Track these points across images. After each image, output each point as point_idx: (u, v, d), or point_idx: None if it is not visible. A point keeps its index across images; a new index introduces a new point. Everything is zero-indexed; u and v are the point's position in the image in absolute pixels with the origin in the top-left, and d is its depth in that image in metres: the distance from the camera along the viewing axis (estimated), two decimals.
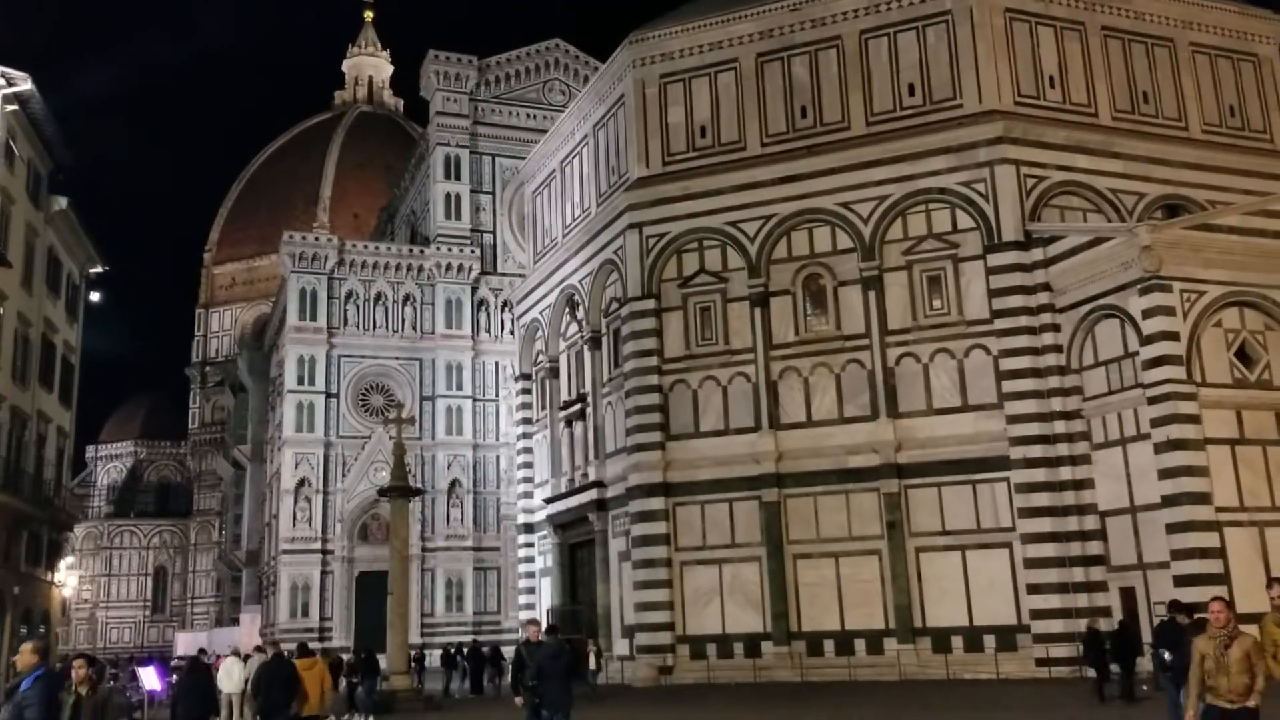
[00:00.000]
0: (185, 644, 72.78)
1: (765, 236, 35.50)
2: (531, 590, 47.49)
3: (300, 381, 64.67)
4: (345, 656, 42.56)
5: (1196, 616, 14.62)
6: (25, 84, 37.11)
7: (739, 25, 37.39)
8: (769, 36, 37.01)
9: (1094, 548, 30.82)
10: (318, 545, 63.63)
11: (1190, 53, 37.57)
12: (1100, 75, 35.85)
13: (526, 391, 48.80)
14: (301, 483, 64.09)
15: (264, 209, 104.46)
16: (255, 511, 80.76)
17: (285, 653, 18.12)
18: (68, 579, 50.32)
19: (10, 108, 37.46)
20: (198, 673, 19.44)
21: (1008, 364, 32.13)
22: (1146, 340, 29.09)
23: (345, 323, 66.13)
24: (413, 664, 43.18)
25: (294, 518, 63.72)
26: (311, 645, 48.59)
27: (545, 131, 50.99)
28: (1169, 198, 35.07)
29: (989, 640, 31.58)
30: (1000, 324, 32.38)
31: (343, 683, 32.55)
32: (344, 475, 64.49)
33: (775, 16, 36.93)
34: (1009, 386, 32.01)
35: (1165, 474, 28.46)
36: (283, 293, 69.62)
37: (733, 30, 37.47)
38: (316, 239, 67.65)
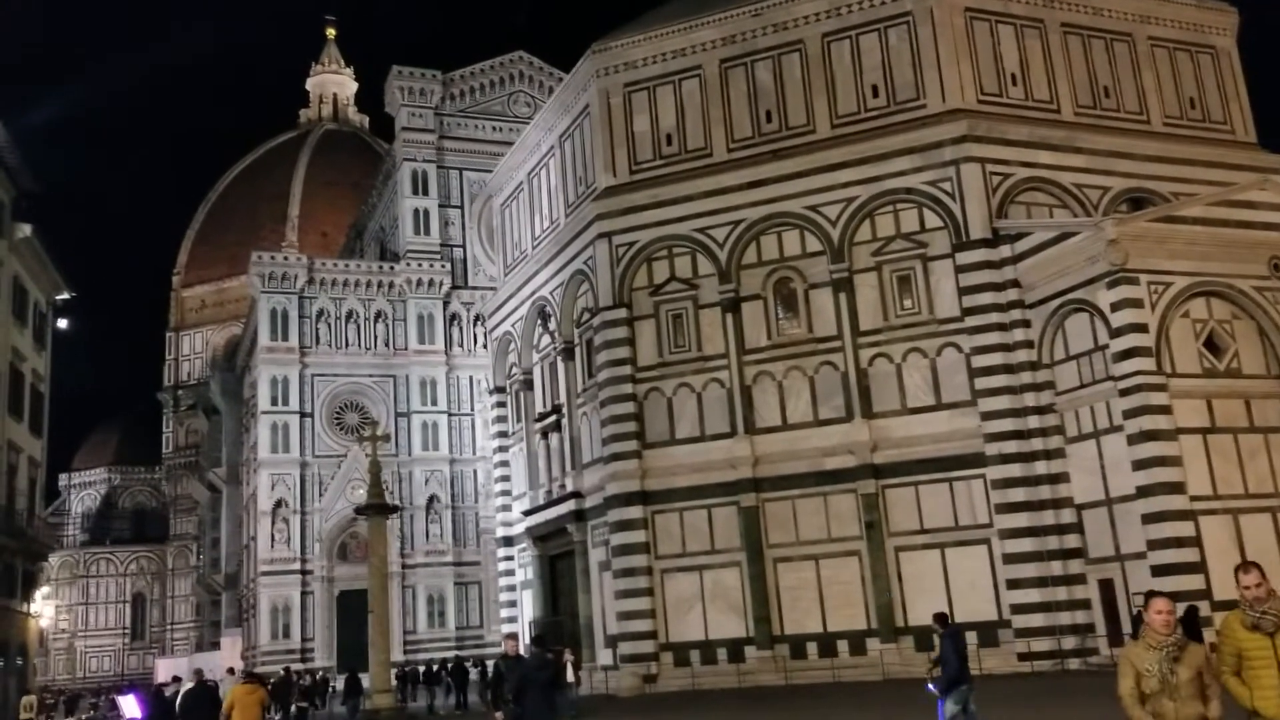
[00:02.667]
0: (166, 670, 71.78)
1: (735, 242, 35.53)
2: (513, 604, 47.27)
3: (274, 402, 64.20)
4: (299, 674, 42.21)
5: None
6: None
7: (701, 32, 37.45)
8: (731, 42, 37.08)
9: (1071, 541, 30.97)
10: (297, 566, 63.13)
11: (1149, 46, 37.95)
12: (1061, 71, 36.14)
13: (501, 404, 48.64)
14: (279, 504, 63.58)
15: (232, 230, 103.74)
16: (233, 534, 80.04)
17: (208, 680, 19.98)
18: (44, 609, 49.68)
19: None
20: (203, 689, 19.73)
21: (980, 361, 32.28)
22: (1116, 333, 29.28)
23: (317, 341, 65.71)
24: (408, 680, 43.11)
25: (272, 539, 63.20)
26: (293, 666, 48.15)
27: (512, 144, 50.89)
28: (1133, 191, 35.39)
29: (971, 637, 31.17)
30: (971, 321, 32.53)
31: (293, 705, 32.24)
32: (321, 495, 64.04)
33: (737, 22, 37.02)
34: (982, 383, 32.14)
35: (1139, 465, 28.64)
36: (253, 314, 69.10)
37: (695, 37, 37.52)
38: (285, 258, 67.20)
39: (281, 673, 38.60)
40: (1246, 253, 30.56)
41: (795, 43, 36.31)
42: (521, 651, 16.30)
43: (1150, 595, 7.81)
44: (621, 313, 36.62)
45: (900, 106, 34.84)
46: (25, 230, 43.05)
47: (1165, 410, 28.72)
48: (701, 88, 37.23)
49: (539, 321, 43.96)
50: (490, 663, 39.54)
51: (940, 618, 16.51)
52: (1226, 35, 39.85)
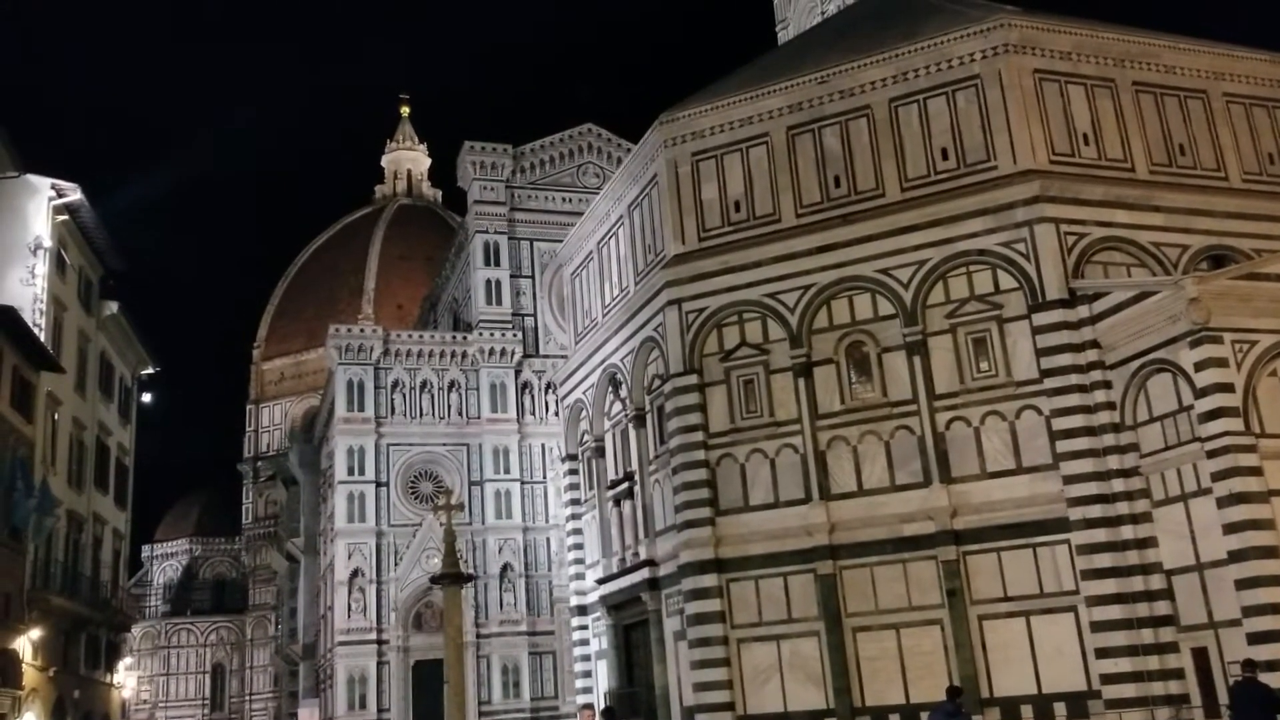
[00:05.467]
0: None
1: (805, 306, 35.51)
2: (588, 674, 46.87)
3: (350, 472, 65.15)
4: None
5: None
6: (75, 194, 38.46)
7: (768, 100, 37.89)
8: (798, 109, 37.42)
9: (1162, 608, 29.92)
10: (373, 635, 63.46)
11: (1224, 103, 37.45)
12: (1135, 130, 35.79)
13: (574, 472, 48.75)
14: (355, 573, 64.16)
15: (310, 304, 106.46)
16: (310, 604, 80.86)
17: None
18: (126, 680, 50.55)
19: (61, 218, 38.76)
20: None
21: (1060, 423, 31.64)
22: (1200, 393, 28.57)
23: (392, 412, 66.74)
24: None
25: (349, 609, 63.69)
26: None
27: (581, 214, 51.68)
28: (1213, 249, 34.68)
29: (1060, 708, 30.61)
30: (1050, 383, 31.97)
31: None
32: (396, 564, 64.53)
33: (804, 90, 37.38)
34: (1063, 446, 31.48)
35: (1230, 529, 27.69)
36: (330, 385, 70.53)
37: (762, 105, 37.96)
38: (362, 330, 68.67)
39: None
40: None
41: (862, 108, 36.52)
42: None
43: (1250, 662, 7.62)
44: (692, 379, 36.67)
45: (971, 168, 34.76)
46: (112, 308, 44.79)
47: (1256, 471, 27.81)
48: (769, 154, 37.55)
49: (610, 389, 44.19)
50: None
51: (952, 691, 15.99)
52: None
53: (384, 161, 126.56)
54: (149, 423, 56.26)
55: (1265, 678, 22.78)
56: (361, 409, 66.02)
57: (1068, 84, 35.55)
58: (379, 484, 65.39)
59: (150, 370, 50.70)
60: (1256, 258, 32.97)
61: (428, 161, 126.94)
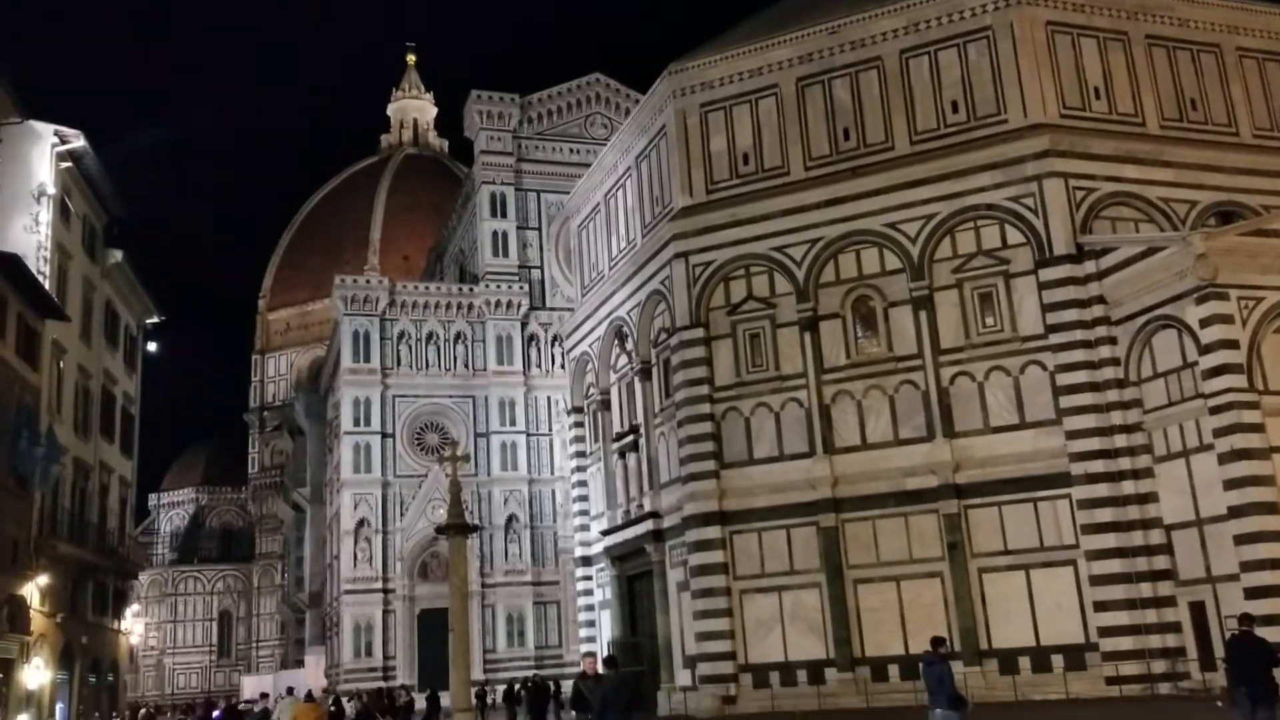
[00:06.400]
0: (251, 687, 73.57)
1: (813, 260, 35.45)
2: (592, 623, 47.44)
3: (356, 423, 65.53)
4: (395, 691, 42.20)
5: None
6: (78, 140, 38.16)
7: (778, 51, 37.56)
8: (808, 60, 37.11)
9: (1161, 562, 30.19)
10: (379, 585, 64.17)
11: (1238, 57, 37.06)
12: (1146, 84, 35.47)
13: (579, 424, 48.97)
14: (361, 523, 64.76)
15: (316, 254, 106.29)
16: (316, 553, 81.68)
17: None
18: (134, 627, 51.14)
19: (65, 165, 38.52)
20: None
21: (1065, 379, 31.71)
22: (1205, 350, 28.60)
23: (398, 363, 66.97)
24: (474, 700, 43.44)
25: (355, 558, 64.35)
26: (387, 685, 49.04)
27: (588, 165, 51.45)
28: (1222, 204, 34.52)
29: (1057, 660, 31.00)
30: (1055, 339, 32.00)
31: None
32: (402, 514, 65.09)
33: (814, 40, 37.05)
34: (1067, 402, 31.57)
35: (1231, 484, 27.88)
36: (336, 336, 70.71)
37: (771, 56, 37.63)
38: (368, 281, 68.70)
39: (366, 694, 38.92)
40: None
41: (873, 60, 36.22)
42: (601, 670, 16.32)
43: (1248, 616, 7.74)
44: (699, 332, 36.72)
45: (981, 122, 34.51)
46: (117, 256, 44.60)
47: (1258, 428, 27.95)
48: (778, 106, 37.30)
49: (616, 342, 44.26)
50: (552, 683, 39.63)
51: (936, 641, 16.28)
52: None
53: (390, 110, 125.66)
54: (155, 372, 56.45)
55: (1262, 632, 23.05)
56: (367, 360, 66.24)
57: (1080, 36, 35.19)
58: (385, 435, 65.79)
59: (155, 319, 50.62)
60: (1265, 214, 32.82)
61: (434, 111, 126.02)
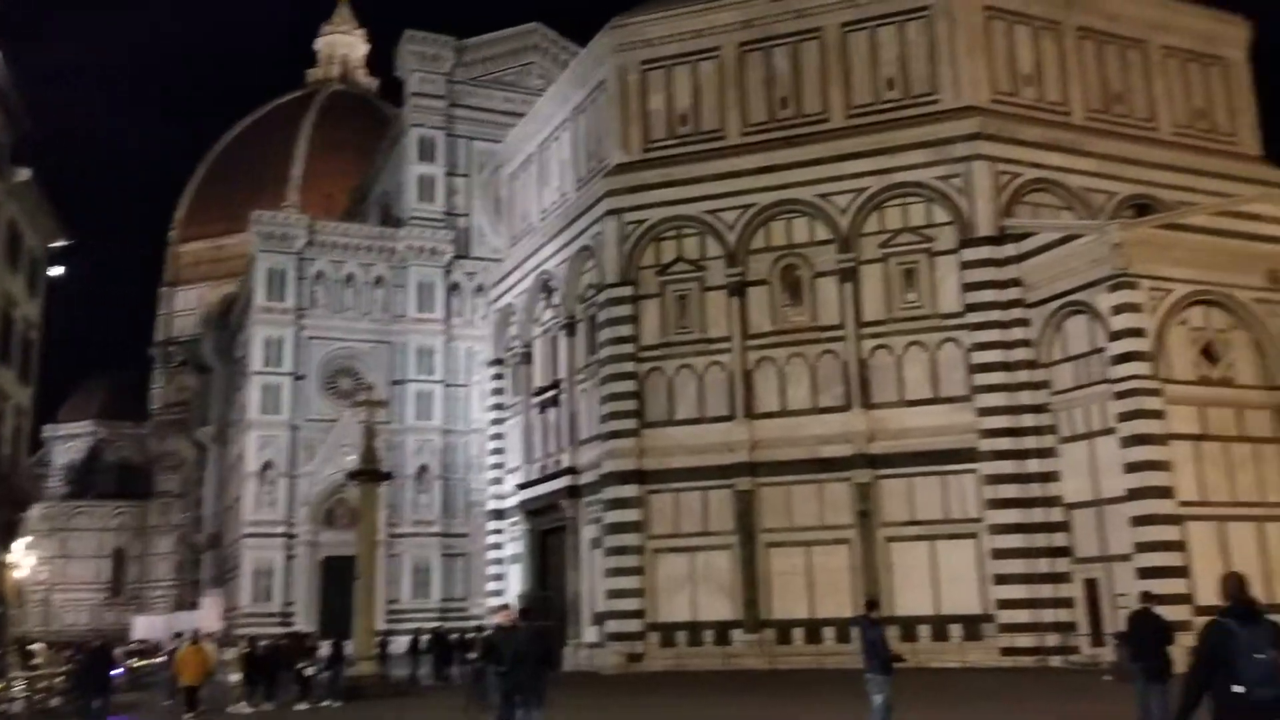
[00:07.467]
0: (144, 628, 72.13)
1: (744, 226, 35.70)
2: (500, 577, 47.52)
3: (267, 363, 64.09)
4: (305, 636, 41.75)
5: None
6: None
7: (721, 14, 37.50)
8: (751, 26, 37.15)
9: (1059, 539, 31.35)
10: (282, 529, 63.15)
11: (1162, 55, 38.18)
12: (1074, 75, 36.35)
13: (499, 377, 48.76)
14: (266, 465, 63.58)
15: (233, 187, 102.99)
16: (218, 494, 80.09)
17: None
18: (23, 560, 49.66)
19: None
20: (96, 656, 21.33)
21: (979, 357, 32.59)
22: (1114, 336, 29.60)
23: (314, 304, 65.58)
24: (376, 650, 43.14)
25: (257, 501, 63.20)
26: (277, 630, 48.19)
27: (522, 115, 50.83)
28: (1138, 197, 35.68)
29: (955, 629, 32.08)
30: (972, 318, 32.83)
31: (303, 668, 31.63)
32: (310, 459, 64.02)
33: (757, 6, 37.09)
34: (979, 379, 32.47)
35: (1130, 468, 29.01)
36: (251, 272, 68.90)
37: (714, 19, 37.57)
38: (286, 218, 66.98)
39: (284, 637, 38.06)
40: (1246, 264, 30.92)
41: (814, 30, 36.41)
42: (517, 622, 16.33)
43: (1148, 594, 8.22)
44: (627, 290, 36.77)
45: (915, 100, 35.02)
46: (24, 174, 42.70)
47: (1159, 415, 29.08)
48: (719, 70, 37.31)
49: (542, 295, 44.06)
50: (456, 636, 39.55)
51: (870, 604, 16.70)
52: (1238, 48, 40.10)
53: (318, 45, 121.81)
54: (58, 298, 54.30)
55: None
56: (282, 299, 64.72)
57: (1015, 23, 35.87)
58: (296, 377, 64.47)
59: (62, 243, 48.67)
60: (1179, 209, 33.98)
61: (365, 48, 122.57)
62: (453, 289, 67.81)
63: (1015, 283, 32.68)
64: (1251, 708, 7.15)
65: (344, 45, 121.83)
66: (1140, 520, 28.66)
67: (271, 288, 64.83)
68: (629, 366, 36.33)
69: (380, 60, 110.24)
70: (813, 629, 33.18)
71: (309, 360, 64.94)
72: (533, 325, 45.10)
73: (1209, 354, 30.59)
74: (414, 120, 69.55)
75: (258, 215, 66.26)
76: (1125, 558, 29.07)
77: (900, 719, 15.58)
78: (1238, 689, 7.15)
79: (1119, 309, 29.54)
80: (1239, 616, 7.50)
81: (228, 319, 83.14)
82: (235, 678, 28.78)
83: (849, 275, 34.49)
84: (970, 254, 33.14)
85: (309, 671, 29.72)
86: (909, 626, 32.38)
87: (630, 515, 35.48)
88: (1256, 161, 38.96)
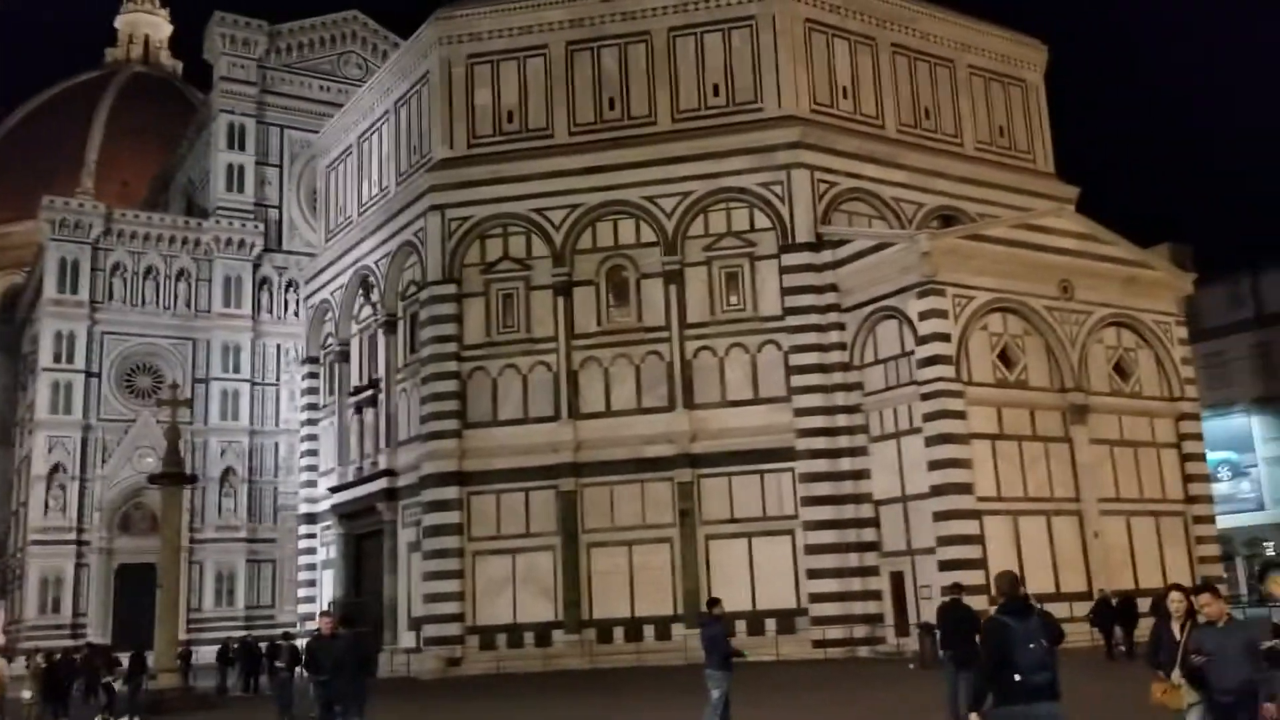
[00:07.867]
0: None
1: (570, 226, 35.59)
2: (312, 583, 45.83)
3: (57, 359, 59.76)
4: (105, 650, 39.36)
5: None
6: None
7: (550, 11, 37.29)
8: (579, 25, 37.09)
9: (869, 535, 32.58)
10: (73, 536, 58.97)
11: (968, 74, 40.34)
12: (889, 89, 37.94)
13: (313, 375, 47.02)
14: (55, 468, 59.29)
15: (21, 171, 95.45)
16: (1, 499, 74.21)
17: None
18: None
19: None
20: None
21: (797, 359, 33.55)
22: (921, 340, 30.99)
23: (111, 297, 61.56)
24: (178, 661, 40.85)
25: (46, 506, 58.85)
26: (68, 642, 44.93)
27: (340, 105, 49.31)
28: (944, 208, 37.59)
29: (770, 624, 32.83)
30: (791, 321, 33.76)
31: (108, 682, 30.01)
32: (104, 461, 60.08)
33: (586, 6, 37.07)
34: (797, 381, 33.42)
35: (934, 465, 30.42)
36: (40, 262, 64.18)
37: (543, 16, 37.32)
38: (81, 205, 62.61)
39: (87, 648, 35.64)
40: (1040, 274, 32.91)
41: (642, 33, 36.67)
42: (339, 630, 15.87)
43: (958, 585, 8.92)
44: (450, 288, 36.05)
45: (739, 107, 35.76)
46: None
47: (961, 415, 30.60)
48: (546, 67, 37.08)
49: (361, 292, 42.72)
50: (265, 645, 37.91)
51: (711, 602, 16.99)
52: (1036, 70, 42.80)
53: (118, 23, 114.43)
54: None
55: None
56: (75, 291, 60.50)
57: (834, 37, 37.14)
58: (90, 374, 60.36)
59: None
60: (980, 221, 35.94)
61: (170, 29, 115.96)
62: (262, 284, 64.83)
63: (832, 288, 33.81)
64: (1028, 692, 7.91)
65: (147, 25, 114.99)
66: (942, 515, 30.10)
67: (63, 279, 60.56)
68: (451, 366, 35.63)
69: (187, 42, 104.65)
70: (634, 628, 33.34)
71: (104, 356, 60.89)
72: (351, 323, 43.68)
73: (1006, 358, 32.42)
74: (223, 106, 66.23)
75: (48, 201, 61.72)
76: (929, 551, 30.45)
77: (735, 713, 15.74)
78: (1016, 676, 7.89)
79: (926, 314, 30.94)
80: (1013, 612, 8.20)
81: (13, 312, 77.33)
82: (28, 694, 26.57)
83: (674, 277, 34.89)
84: (790, 259, 34.07)
85: (117, 685, 27.88)
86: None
87: (451, 518, 34.79)
88: (1049, 178, 41.69)
